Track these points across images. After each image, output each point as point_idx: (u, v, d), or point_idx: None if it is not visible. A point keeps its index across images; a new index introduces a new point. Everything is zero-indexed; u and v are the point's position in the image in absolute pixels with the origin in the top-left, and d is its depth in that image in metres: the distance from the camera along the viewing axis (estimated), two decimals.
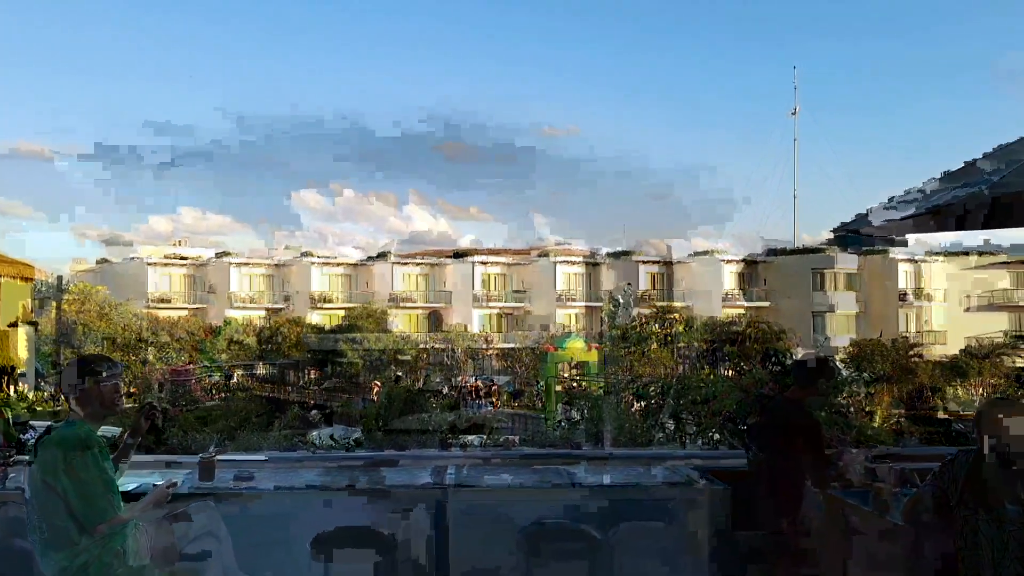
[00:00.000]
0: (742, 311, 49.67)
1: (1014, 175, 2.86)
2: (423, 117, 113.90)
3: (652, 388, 24.03)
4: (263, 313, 48.21)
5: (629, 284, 40.28)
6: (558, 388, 28.62)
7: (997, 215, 4.53)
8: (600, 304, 53.58)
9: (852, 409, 32.31)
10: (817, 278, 52.66)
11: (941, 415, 39.05)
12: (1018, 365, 45.22)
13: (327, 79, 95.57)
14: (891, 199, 3.65)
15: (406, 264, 53.62)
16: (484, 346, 46.11)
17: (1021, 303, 52.39)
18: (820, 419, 4.50)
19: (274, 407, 24.37)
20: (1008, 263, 53.15)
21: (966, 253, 55.56)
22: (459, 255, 55.60)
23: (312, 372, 36.50)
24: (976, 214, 4.49)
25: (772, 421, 4.51)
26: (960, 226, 4.42)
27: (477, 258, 53.88)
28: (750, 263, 55.10)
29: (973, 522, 3.03)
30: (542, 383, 31.01)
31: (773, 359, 45.95)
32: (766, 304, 52.15)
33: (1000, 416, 3.01)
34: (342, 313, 47.69)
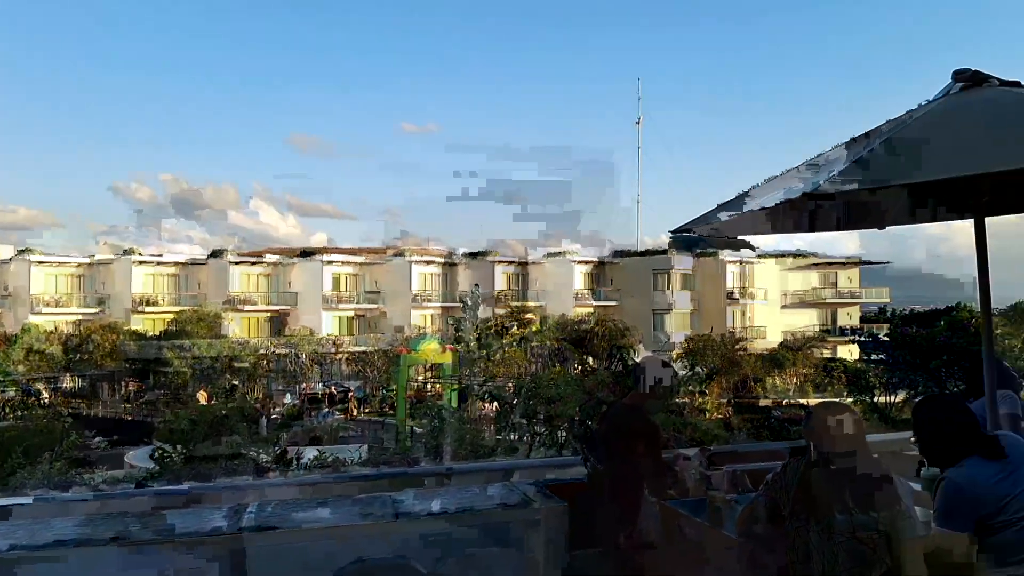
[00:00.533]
0: (591, 310, 51.50)
1: (843, 176, 2.78)
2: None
3: (506, 388, 24.21)
4: (75, 318, 42.96)
5: (477, 285, 40.25)
6: (409, 393, 27.97)
7: (820, 218, 4.62)
8: (457, 305, 53.47)
9: (686, 406, 34.21)
10: (658, 279, 55.59)
11: (763, 403, 42.55)
12: (826, 356, 50.23)
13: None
14: (727, 201, 3.54)
15: (246, 263, 50.33)
16: (333, 350, 44.21)
17: (827, 300, 58.11)
18: (659, 422, 4.36)
19: (84, 425, 21.73)
20: (817, 264, 58.87)
21: (789, 255, 60.99)
22: (306, 254, 52.98)
23: (130, 384, 32.95)
24: (799, 215, 4.56)
25: (611, 428, 4.30)
26: (796, 227, 4.46)
27: (326, 257, 51.56)
28: (599, 264, 57.27)
29: (804, 533, 2.89)
30: (394, 387, 30.18)
31: (617, 357, 47.99)
32: (613, 303, 54.39)
33: (827, 421, 2.90)
34: (169, 317, 43.49)
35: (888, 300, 61.83)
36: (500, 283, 53.13)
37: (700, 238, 3.65)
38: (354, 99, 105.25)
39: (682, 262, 56.28)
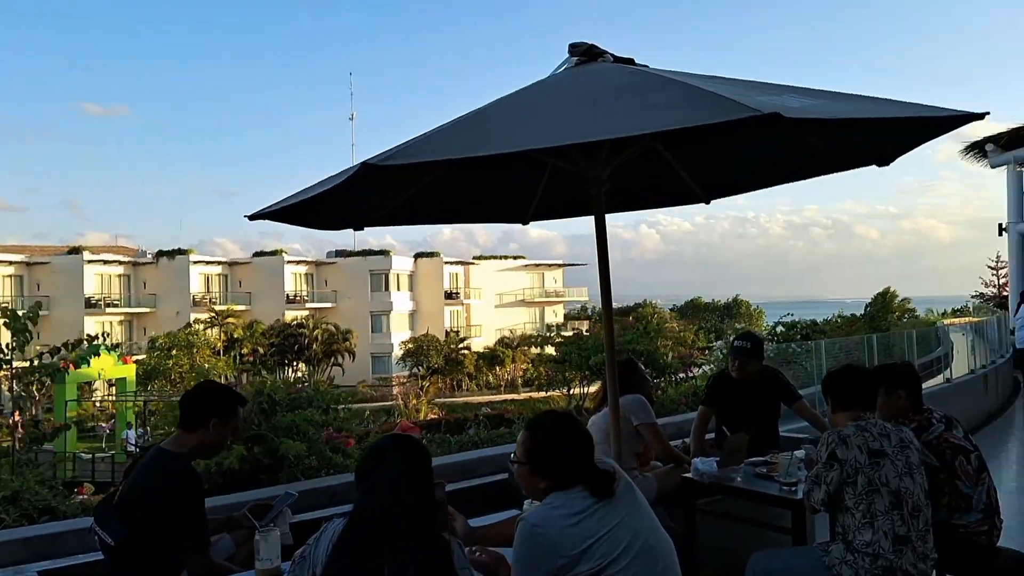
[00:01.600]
0: (307, 312, 49.06)
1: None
2: None
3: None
4: None
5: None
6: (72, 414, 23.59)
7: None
8: (146, 310, 47.34)
9: (396, 409, 33.80)
10: (377, 279, 54.74)
11: (477, 399, 44.07)
12: (537, 352, 53.44)
13: None
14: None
15: None
16: None
17: (537, 300, 62.24)
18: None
19: None
20: (527, 265, 62.90)
21: (503, 257, 64.14)
22: None
23: None
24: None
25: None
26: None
27: None
28: (317, 264, 54.81)
29: None
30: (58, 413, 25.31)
31: (333, 361, 46.21)
32: (330, 305, 52.43)
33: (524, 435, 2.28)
34: None
35: (587, 299, 68.17)
36: (198, 285, 48.22)
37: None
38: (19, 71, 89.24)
39: (402, 262, 56.27)
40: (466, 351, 47.22)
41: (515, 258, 63.89)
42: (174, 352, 27.98)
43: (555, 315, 63.60)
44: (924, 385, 9.64)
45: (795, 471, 3.34)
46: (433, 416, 36.47)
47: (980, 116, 2.55)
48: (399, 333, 52.64)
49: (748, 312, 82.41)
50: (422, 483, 1.91)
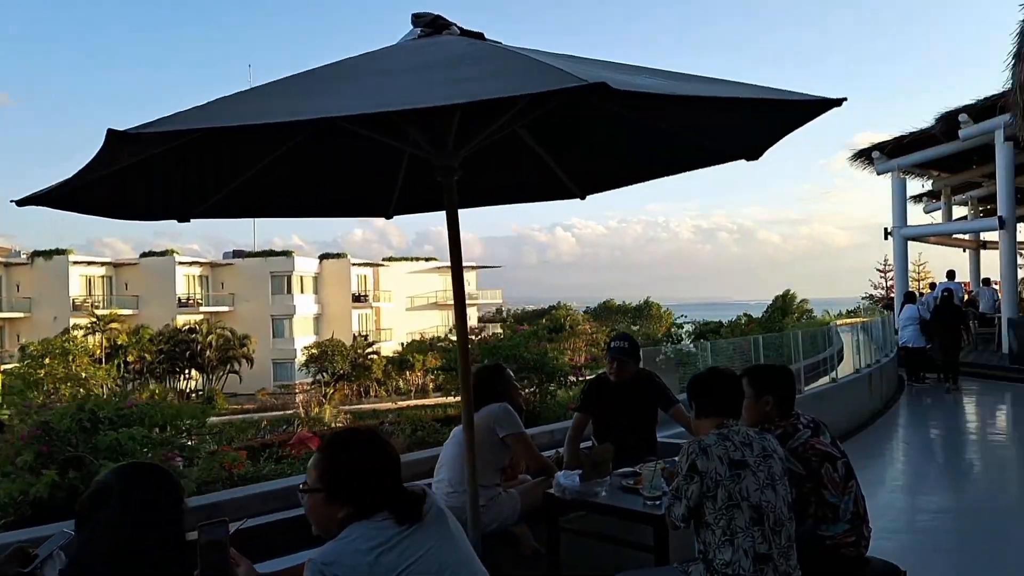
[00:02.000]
0: (201, 317, 46.68)
1: None
2: None
3: (62, 420, 19.55)
4: None
5: None
6: None
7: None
8: (19, 315, 43.88)
9: (297, 418, 32.58)
10: (279, 281, 52.75)
11: (385, 406, 43.08)
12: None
13: None
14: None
15: None
16: None
17: (450, 303, 61.51)
18: None
19: None
20: (440, 267, 62.21)
21: (413, 258, 63.23)
22: None
23: None
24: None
25: None
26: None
27: None
28: (213, 266, 52.28)
29: None
30: None
31: (229, 368, 44.15)
32: (226, 309, 50.15)
33: None
34: None
35: (501, 301, 68.23)
36: (78, 287, 45.10)
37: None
38: None
39: (306, 264, 54.54)
40: (375, 356, 46.18)
41: (427, 259, 63.18)
42: (47, 361, 25.83)
43: (469, 318, 63.14)
44: (812, 386, 9.95)
45: (659, 483, 3.12)
46: (339, 424, 35.22)
47: (838, 102, 2.39)
48: (303, 338, 50.90)
49: (659, 314, 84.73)
50: (162, 525, 1.52)
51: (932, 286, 19.15)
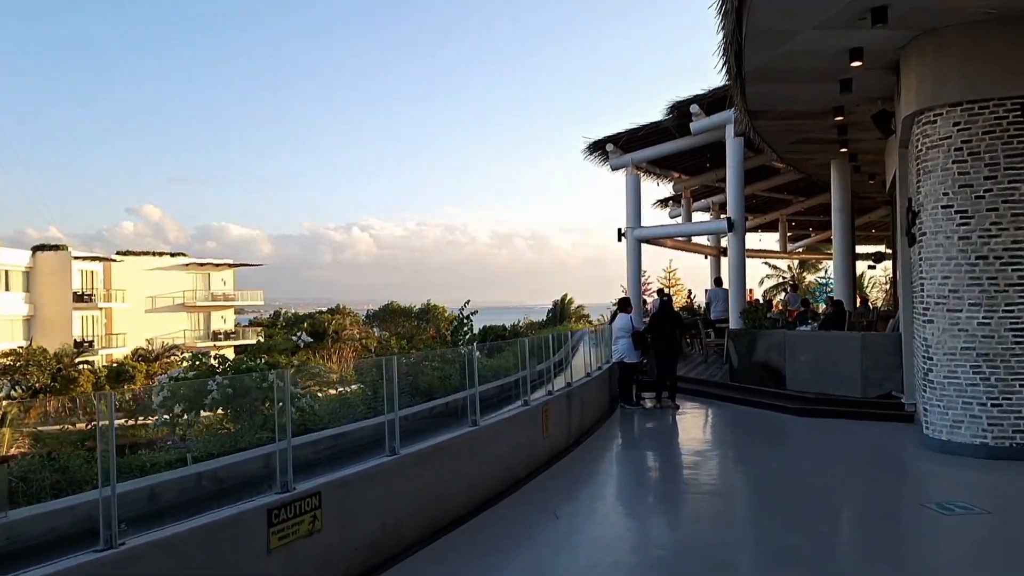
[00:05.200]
0: None
1: None
2: None
3: None
4: None
5: None
6: None
7: None
8: None
9: None
10: None
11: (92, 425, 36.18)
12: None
13: None
14: None
15: None
16: None
17: (201, 304, 54.52)
18: None
19: None
20: (189, 264, 54.91)
21: (156, 254, 55.14)
22: None
23: None
24: None
25: None
26: None
27: None
28: None
29: None
30: None
31: None
32: None
33: None
34: None
35: (262, 302, 62.10)
36: None
37: None
38: None
39: (12, 256, 45.22)
40: (86, 365, 38.75)
41: (172, 255, 55.46)
42: None
43: (224, 321, 56.57)
44: (509, 407, 7.24)
45: None
46: (17, 451, 28.39)
47: None
48: (7, 343, 42.15)
49: (442, 316, 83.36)
50: None
51: (660, 292, 17.98)
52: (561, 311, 65.51)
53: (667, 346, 10.88)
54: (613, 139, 16.61)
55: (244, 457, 5.09)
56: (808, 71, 8.64)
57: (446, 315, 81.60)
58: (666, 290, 22.82)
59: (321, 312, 60.39)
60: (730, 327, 13.51)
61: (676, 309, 15.42)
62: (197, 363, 7.98)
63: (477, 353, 6.83)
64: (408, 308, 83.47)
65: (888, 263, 25.90)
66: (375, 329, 59.42)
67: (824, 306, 19.81)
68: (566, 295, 70.44)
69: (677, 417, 10.58)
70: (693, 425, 10.44)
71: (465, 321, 12.40)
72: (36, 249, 47.64)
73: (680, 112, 14.97)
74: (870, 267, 24.50)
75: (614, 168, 17.06)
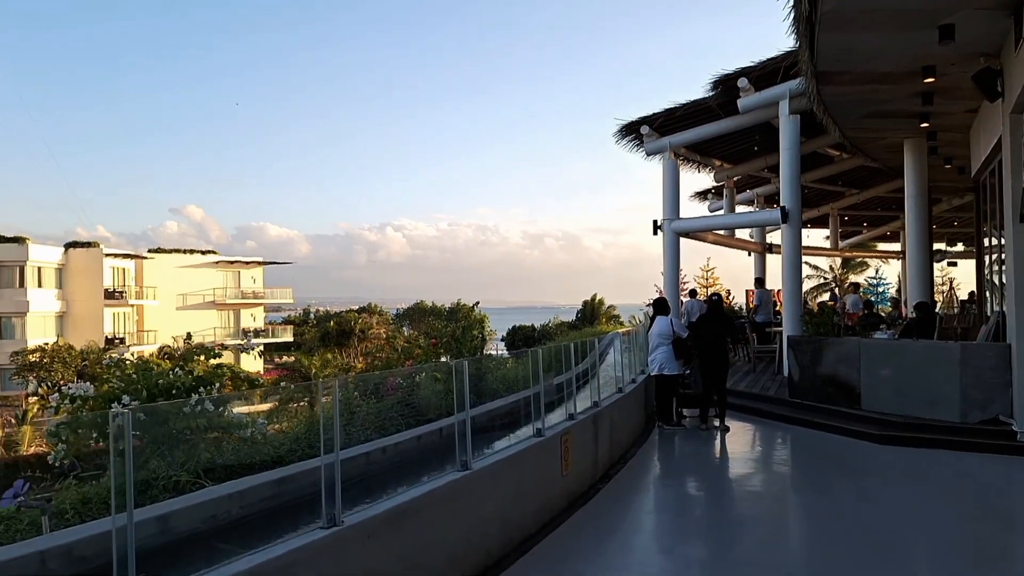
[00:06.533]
0: None
1: None
2: None
3: None
4: None
5: None
6: None
7: None
8: None
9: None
10: (9, 273, 43.28)
11: None
12: (218, 363, 45.57)
13: None
14: None
15: None
16: None
17: (231, 302, 53.99)
18: None
19: None
20: (219, 262, 54.41)
21: (197, 251, 54.76)
22: None
23: None
24: None
25: None
26: None
27: None
28: None
29: None
30: None
31: None
32: None
33: None
34: None
35: (292, 300, 61.42)
36: None
37: None
38: None
39: (45, 254, 45.10)
40: (110, 362, 38.20)
41: (204, 252, 55.03)
42: None
43: (253, 319, 56.10)
44: (515, 436, 5.58)
45: None
46: (37, 449, 27.87)
47: None
48: (41, 340, 42.20)
49: (471, 315, 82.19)
50: None
51: (692, 293, 16.03)
52: (591, 311, 63.44)
53: (716, 355, 9.15)
54: (648, 120, 14.84)
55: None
56: (900, 14, 6.85)
57: (474, 315, 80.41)
58: (699, 290, 20.86)
59: (350, 311, 59.47)
60: (788, 333, 11.65)
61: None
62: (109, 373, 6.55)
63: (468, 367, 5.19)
64: (439, 308, 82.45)
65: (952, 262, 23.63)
66: (404, 328, 58.22)
67: (889, 308, 17.74)
68: (595, 295, 68.35)
69: (727, 441, 8.84)
70: (749, 453, 8.67)
71: (474, 321, 10.79)
72: (68, 246, 47.56)
73: (725, 88, 13.17)
74: (951, 264, 22.07)
75: (649, 154, 15.29)
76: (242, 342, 33.60)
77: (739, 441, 8.95)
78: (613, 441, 7.73)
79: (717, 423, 9.29)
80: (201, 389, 6.83)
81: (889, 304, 21.57)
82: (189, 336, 19.49)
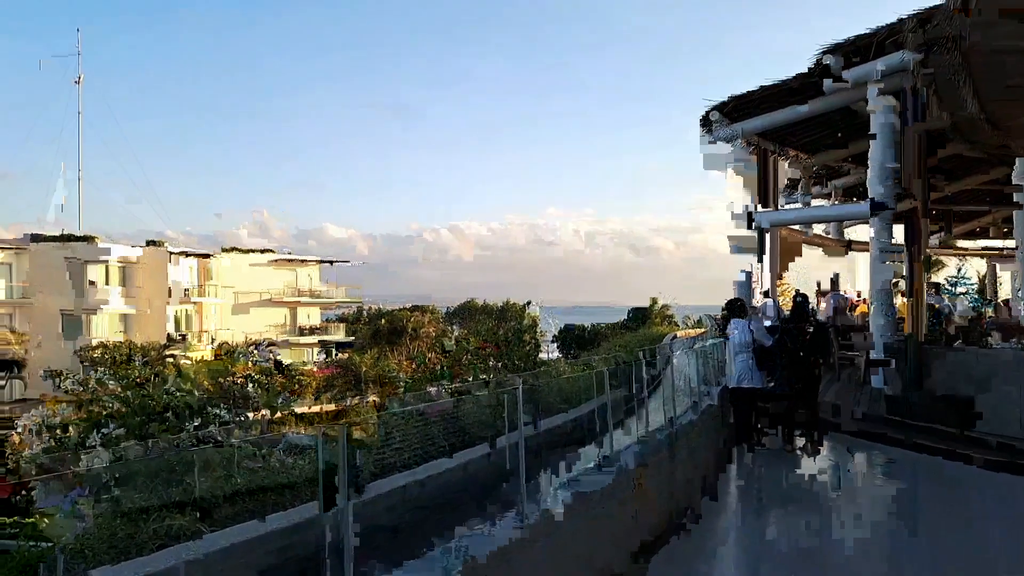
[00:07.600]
0: None
1: None
2: None
3: None
4: None
5: None
6: None
7: None
8: None
9: None
10: (78, 271, 44.34)
11: None
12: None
13: None
14: None
15: None
16: None
17: (288, 300, 54.52)
18: None
19: None
20: (277, 260, 55.04)
21: (257, 250, 55.58)
22: None
23: None
24: None
25: None
26: None
27: None
28: (19, 251, 43.04)
29: None
30: None
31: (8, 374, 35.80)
32: (28, 300, 41.55)
33: None
34: None
35: (348, 298, 61.69)
36: None
37: None
38: None
39: (119, 251, 46.13)
40: (171, 360, 38.76)
41: (263, 251, 55.79)
42: None
43: (309, 317, 56.65)
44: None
45: None
46: None
47: None
48: (115, 336, 43.48)
49: (521, 314, 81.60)
50: None
51: (766, 294, 14.61)
52: (645, 312, 61.00)
53: (805, 367, 8.01)
54: (719, 107, 13.64)
55: None
56: None
57: (527, 315, 79.13)
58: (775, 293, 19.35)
59: (403, 309, 59.31)
60: (880, 340, 10.34)
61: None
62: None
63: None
64: (490, 306, 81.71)
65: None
66: (454, 327, 57.57)
67: (991, 312, 16.05)
68: (654, 298, 66.10)
69: (820, 467, 7.70)
70: (849, 482, 7.49)
71: (526, 324, 9.82)
72: (134, 246, 48.68)
73: (807, 72, 11.90)
74: None
75: (719, 142, 14.06)
76: (254, 353, 33.21)
77: (834, 467, 7.79)
78: (689, 471, 6.70)
79: (802, 443, 8.15)
80: (207, 409, 6.12)
81: (979, 305, 19.66)
82: (263, 343, 19.14)
